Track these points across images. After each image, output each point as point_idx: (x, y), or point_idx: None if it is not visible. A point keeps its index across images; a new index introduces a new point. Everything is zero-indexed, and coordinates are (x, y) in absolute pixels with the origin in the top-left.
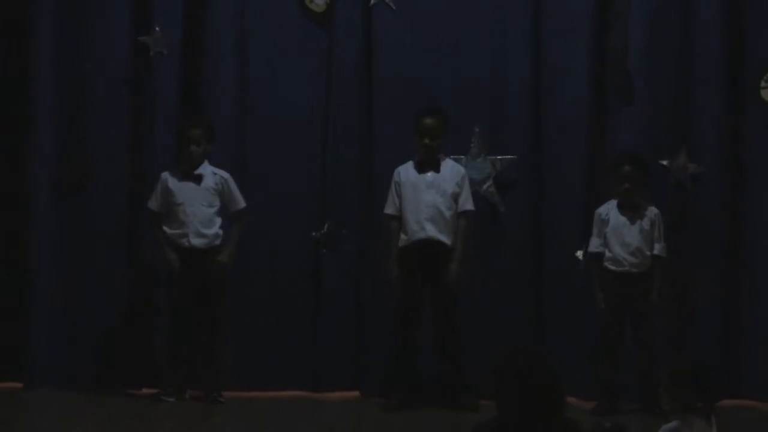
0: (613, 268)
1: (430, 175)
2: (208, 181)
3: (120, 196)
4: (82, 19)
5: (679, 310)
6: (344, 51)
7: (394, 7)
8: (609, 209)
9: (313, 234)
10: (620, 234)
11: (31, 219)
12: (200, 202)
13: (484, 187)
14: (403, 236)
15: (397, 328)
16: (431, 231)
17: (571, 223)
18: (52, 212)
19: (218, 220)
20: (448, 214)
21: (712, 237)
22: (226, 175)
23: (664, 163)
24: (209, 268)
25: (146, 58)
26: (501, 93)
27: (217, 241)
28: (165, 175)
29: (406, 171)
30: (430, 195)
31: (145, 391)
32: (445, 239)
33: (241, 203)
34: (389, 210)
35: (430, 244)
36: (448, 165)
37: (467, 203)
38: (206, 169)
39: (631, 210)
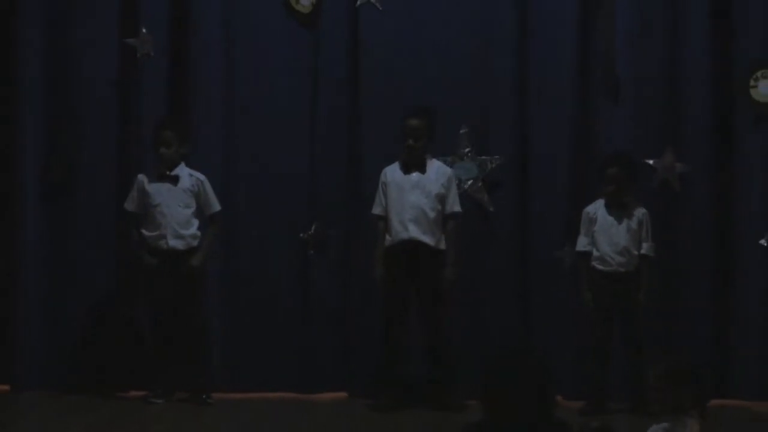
0: (600, 267)
1: (415, 175)
2: (185, 183)
3: (107, 198)
4: (70, 20)
5: (668, 309)
6: (331, 52)
7: (380, 8)
8: (597, 208)
9: (301, 235)
10: (608, 233)
11: (17, 221)
12: (177, 203)
13: (472, 187)
14: (387, 237)
15: (384, 329)
16: (414, 232)
17: (558, 222)
18: (39, 214)
19: (195, 222)
20: (432, 215)
21: (700, 236)
22: (202, 177)
23: (651, 162)
24: (184, 269)
25: (133, 60)
26: (488, 93)
27: (195, 242)
28: (141, 176)
29: (393, 171)
30: (414, 196)
31: (133, 393)
32: (428, 240)
33: (216, 206)
34: (376, 210)
35: (414, 244)
36: (434, 166)
37: (454, 205)
38: (183, 171)
39: (618, 209)
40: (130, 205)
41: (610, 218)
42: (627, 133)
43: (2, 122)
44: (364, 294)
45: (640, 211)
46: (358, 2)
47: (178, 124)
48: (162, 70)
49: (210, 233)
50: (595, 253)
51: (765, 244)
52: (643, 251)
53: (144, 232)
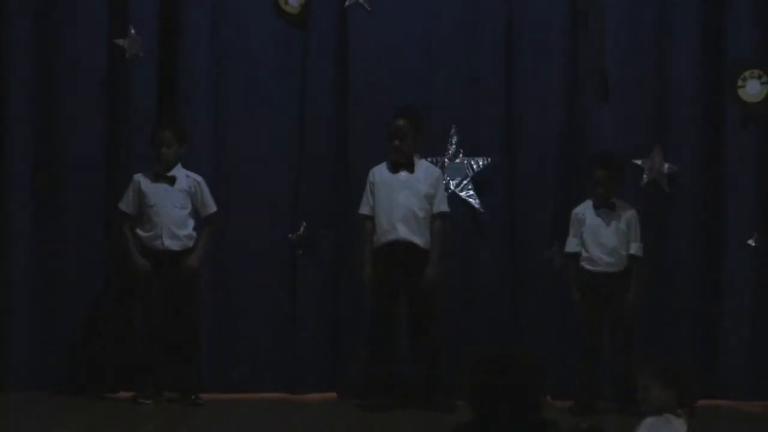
0: (589, 267)
1: (404, 175)
2: (182, 183)
3: (96, 199)
4: (59, 21)
5: (656, 309)
6: (319, 52)
7: (368, 9)
8: (585, 209)
9: (289, 236)
10: (596, 234)
11: (5, 222)
12: (173, 204)
13: (461, 187)
14: (375, 237)
15: (372, 329)
16: (403, 232)
17: (547, 222)
18: (27, 215)
19: (191, 222)
20: (421, 215)
21: (688, 236)
22: (199, 178)
23: (639, 162)
24: (180, 270)
25: (122, 61)
26: (476, 94)
27: (191, 243)
28: (137, 176)
29: (381, 171)
30: (403, 196)
31: (122, 394)
32: (417, 240)
33: (213, 207)
34: (364, 210)
35: (403, 245)
36: (423, 166)
37: (442, 204)
38: (179, 172)
39: (606, 210)
40: (124, 206)
41: (599, 219)
42: (615, 133)
43: None
44: (353, 294)
45: (628, 212)
46: (347, 3)
47: (177, 125)
48: (151, 71)
49: (206, 234)
50: (584, 253)
51: (753, 245)
52: (631, 251)
53: (139, 232)
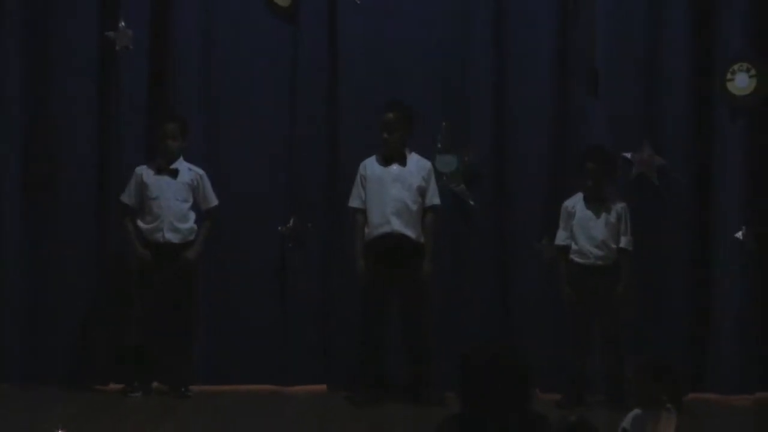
0: (579, 260)
1: (395, 168)
2: (184, 176)
3: (88, 192)
4: (49, 14)
5: (645, 302)
6: (309, 46)
7: (358, 2)
8: (575, 202)
9: (279, 228)
10: (586, 227)
11: None
12: (175, 197)
13: (452, 180)
14: (367, 230)
15: (363, 322)
16: (396, 225)
17: (537, 215)
18: (19, 208)
19: (192, 216)
20: (413, 208)
21: (677, 229)
22: (201, 171)
23: (629, 156)
24: (179, 263)
25: (112, 54)
26: (467, 87)
27: (192, 236)
28: (140, 169)
29: (372, 164)
30: (395, 189)
31: (112, 386)
32: (410, 233)
33: (214, 201)
34: (354, 203)
35: (396, 238)
36: (414, 159)
37: (434, 198)
38: (182, 165)
39: (597, 203)
40: (127, 198)
41: (589, 212)
42: (605, 126)
43: None
44: (344, 287)
45: (618, 205)
46: None
47: (181, 118)
48: (141, 64)
49: (206, 227)
50: (574, 246)
51: (741, 238)
52: (621, 245)
53: (140, 224)
